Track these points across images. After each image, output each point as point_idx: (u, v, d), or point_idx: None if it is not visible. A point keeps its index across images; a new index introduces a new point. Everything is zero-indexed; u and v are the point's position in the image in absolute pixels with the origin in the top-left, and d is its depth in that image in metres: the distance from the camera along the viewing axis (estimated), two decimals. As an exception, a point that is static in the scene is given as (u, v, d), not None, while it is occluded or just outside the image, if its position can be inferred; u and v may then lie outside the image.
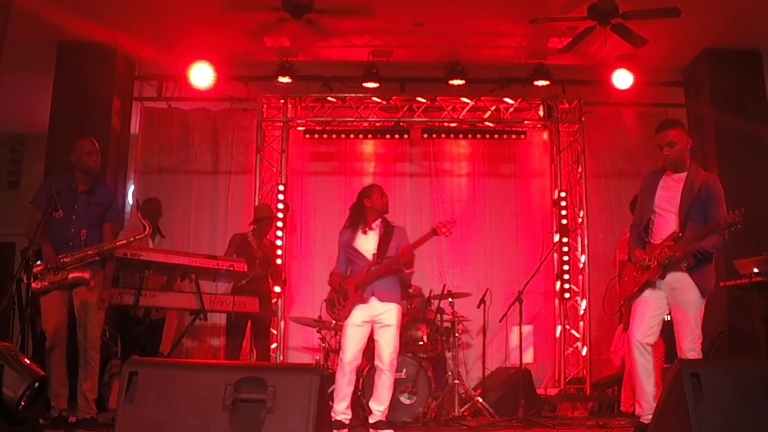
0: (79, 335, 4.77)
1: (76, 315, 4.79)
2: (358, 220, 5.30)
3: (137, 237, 4.98)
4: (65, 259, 4.69)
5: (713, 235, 4.07)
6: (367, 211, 5.28)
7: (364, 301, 5.09)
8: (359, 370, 5.40)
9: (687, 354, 4.07)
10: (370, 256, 5.17)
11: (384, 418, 5.15)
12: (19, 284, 5.71)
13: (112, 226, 5.02)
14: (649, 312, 4.26)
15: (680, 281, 4.18)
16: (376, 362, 5.13)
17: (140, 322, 6.25)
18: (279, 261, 7.42)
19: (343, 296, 5.15)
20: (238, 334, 6.74)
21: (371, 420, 5.15)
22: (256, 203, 7.60)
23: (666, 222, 4.27)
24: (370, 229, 5.26)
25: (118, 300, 5.48)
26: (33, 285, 4.65)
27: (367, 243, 5.22)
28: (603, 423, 5.65)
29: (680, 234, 4.17)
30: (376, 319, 5.11)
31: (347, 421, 5.06)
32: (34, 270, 4.66)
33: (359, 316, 5.10)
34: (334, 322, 5.28)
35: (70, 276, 4.72)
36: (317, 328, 6.55)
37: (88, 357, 4.77)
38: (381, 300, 5.11)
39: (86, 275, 4.76)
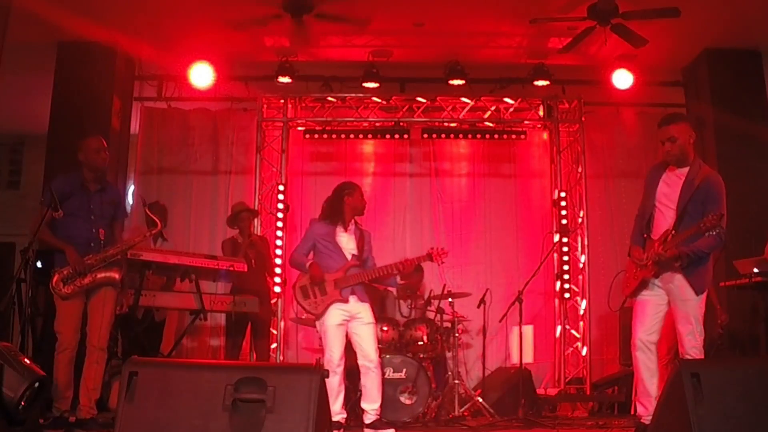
0: (89, 335, 4.75)
1: (91, 315, 4.77)
2: (336, 215, 5.21)
3: (152, 232, 4.97)
4: (89, 261, 4.68)
5: (708, 236, 4.03)
6: (346, 209, 5.21)
7: (344, 300, 5.08)
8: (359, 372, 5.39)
9: (689, 352, 4.07)
10: (348, 256, 5.17)
11: (379, 416, 5.14)
12: (19, 284, 5.72)
13: (122, 225, 5.03)
14: (650, 310, 4.26)
15: (675, 281, 4.17)
16: (362, 362, 5.10)
17: (140, 322, 6.25)
18: (278, 261, 7.42)
19: (321, 290, 5.09)
20: (238, 334, 6.74)
21: (367, 420, 5.13)
22: (256, 203, 7.60)
23: (664, 217, 4.25)
24: (346, 228, 5.24)
25: (128, 302, 5.47)
26: (65, 290, 4.62)
27: (348, 242, 5.22)
28: (603, 423, 5.67)
29: (673, 232, 4.15)
30: (356, 317, 5.11)
31: (343, 421, 5.07)
32: (61, 274, 4.62)
33: (338, 315, 5.08)
34: (304, 314, 5.24)
35: (99, 276, 4.71)
36: (317, 328, 6.54)
37: (97, 357, 4.75)
38: (360, 300, 5.14)
39: (115, 275, 4.75)
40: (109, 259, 4.74)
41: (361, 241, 5.27)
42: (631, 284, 4.36)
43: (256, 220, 7.36)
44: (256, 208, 7.52)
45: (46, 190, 4.78)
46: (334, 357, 5.03)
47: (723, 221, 4.07)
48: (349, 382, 5.58)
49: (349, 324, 5.13)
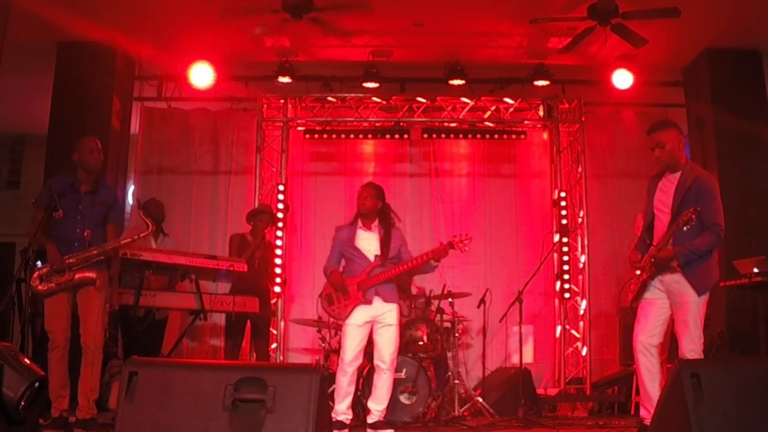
0: (83, 335, 4.76)
1: (81, 315, 4.78)
2: (354, 218, 5.28)
3: (141, 235, 4.98)
4: (69, 260, 4.69)
5: (705, 233, 4.07)
6: (357, 210, 5.27)
7: (367, 301, 5.08)
8: (359, 370, 5.39)
9: (687, 354, 4.07)
10: (371, 257, 5.16)
11: (382, 418, 5.15)
12: (19, 284, 5.72)
13: (115, 226, 5.02)
14: (653, 313, 4.28)
15: (675, 282, 4.18)
16: (377, 362, 5.12)
17: (141, 322, 6.25)
18: (278, 261, 7.43)
19: (344, 294, 5.11)
20: (237, 335, 6.74)
21: (369, 420, 5.14)
22: (256, 203, 7.60)
23: (662, 223, 4.30)
24: (369, 228, 5.24)
25: (118, 300, 5.48)
26: (40, 287, 4.66)
27: (370, 243, 5.21)
28: (603, 423, 5.67)
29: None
30: (378, 319, 5.10)
31: (348, 422, 5.06)
32: (40, 272, 4.67)
33: (361, 316, 5.08)
34: (331, 319, 5.26)
35: (77, 276, 4.73)
36: (317, 329, 6.56)
37: (92, 357, 4.75)
38: (385, 300, 5.12)
39: (92, 275, 4.77)
40: (91, 259, 4.75)
41: (387, 238, 5.23)
42: (634, 288, 4.40)
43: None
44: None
45: (44, 191, 4.81)
46: (346, 356, 5.03)
47: (719, 219, 4.13)
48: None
49: (374, 325, 5.13)
